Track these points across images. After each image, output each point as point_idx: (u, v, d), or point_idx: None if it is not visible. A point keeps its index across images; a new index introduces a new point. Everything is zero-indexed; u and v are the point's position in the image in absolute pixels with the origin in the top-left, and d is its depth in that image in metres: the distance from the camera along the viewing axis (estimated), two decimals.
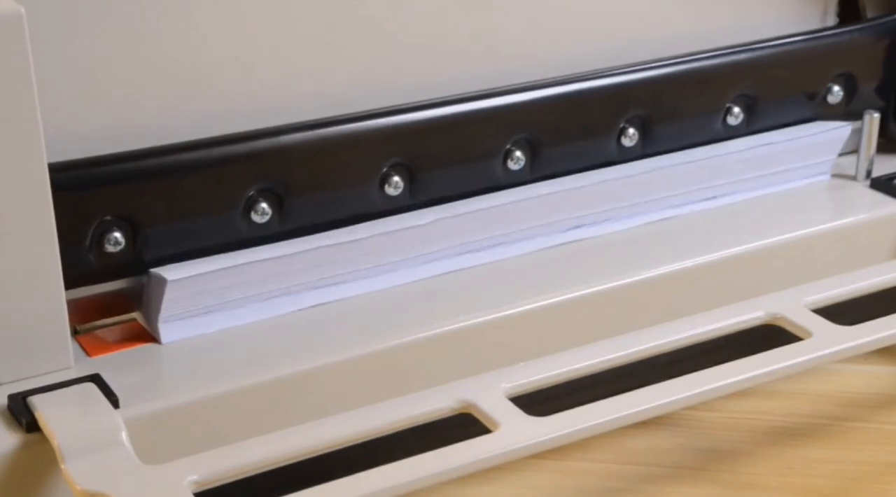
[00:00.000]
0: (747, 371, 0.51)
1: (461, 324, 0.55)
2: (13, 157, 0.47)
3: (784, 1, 0.70)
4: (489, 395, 0.49)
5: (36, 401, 0.49)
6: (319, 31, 0.58)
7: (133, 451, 0.46)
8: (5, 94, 0.47)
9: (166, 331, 0.54)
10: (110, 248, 0.53)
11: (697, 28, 0.67)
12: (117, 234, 0.53)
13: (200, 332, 0.54)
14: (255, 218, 0.55)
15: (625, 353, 0.52)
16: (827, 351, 0.53)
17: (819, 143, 0.68)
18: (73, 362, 0.52)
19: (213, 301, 0.54)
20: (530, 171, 0.61)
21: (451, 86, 0.61)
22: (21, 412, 0.48)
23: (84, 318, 0.54)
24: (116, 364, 0.52)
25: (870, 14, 0.71)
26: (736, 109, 0.66)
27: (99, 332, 0.55)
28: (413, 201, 0.59)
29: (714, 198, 0.66)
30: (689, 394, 0.50)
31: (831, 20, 0.72)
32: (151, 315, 0.54)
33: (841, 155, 0.69)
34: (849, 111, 0.70)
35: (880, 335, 0.54)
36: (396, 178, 0.58)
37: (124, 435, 0.47)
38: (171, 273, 0.53)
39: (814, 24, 0.71)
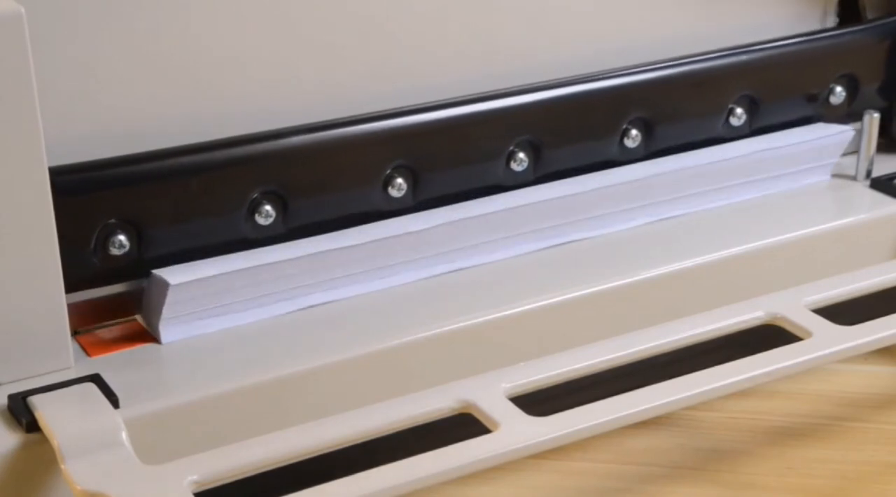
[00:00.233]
0: (747, 371, 0.51)
1: (461, 324, 0.55)
2: (13, 156, 0.48)
3: (784, 2, 0.70)
4: (489, 395, 0.49)
5: (36, 401, 0.48)
6: (320, 31, 0.58)
7: (133, 451, 0.46)
8: (5, 94, 0.47)
9: (167, 332, 0.54)
10: (115, 251, 0.53)
11: (698, 29, 0.67)
12: (122, 237, 0.53)
13: (201, 333, 0.54)
14: (260, 220, 0.55)
15: (625, 353, 0.52)
16: (827, 351, 0.53)
17: (821, 147, 0.68)
18: (73, 362, 0.52)
19: (214, 303, 0.54)
20: (533, 172, 0.62)
21: (451, 87, 0.61)
22: (21, 412, 0.48)
23: (87, 322, 0.54)
24: (116, 364, 0.52)
25: (870, 15, 0.71)
26: (738, 110, 0.66)
27: (99, 332, 0.55)
28: (416, 203, 0.59)
29: (715, 199, 0.66)
30: (689, 394, 0.50)
31: (831, 21, 0.72)
32: (152, 317, 0.54)
33: (841, 155, 0.69)
34: (851, 112, 0.70)
35: (880, 335, 0.54)
36: (400, 180, 0.58)
37: (124, 435, 0.47)
38: (173, 277, 0.53)
39: (814, 25, 0.71)
